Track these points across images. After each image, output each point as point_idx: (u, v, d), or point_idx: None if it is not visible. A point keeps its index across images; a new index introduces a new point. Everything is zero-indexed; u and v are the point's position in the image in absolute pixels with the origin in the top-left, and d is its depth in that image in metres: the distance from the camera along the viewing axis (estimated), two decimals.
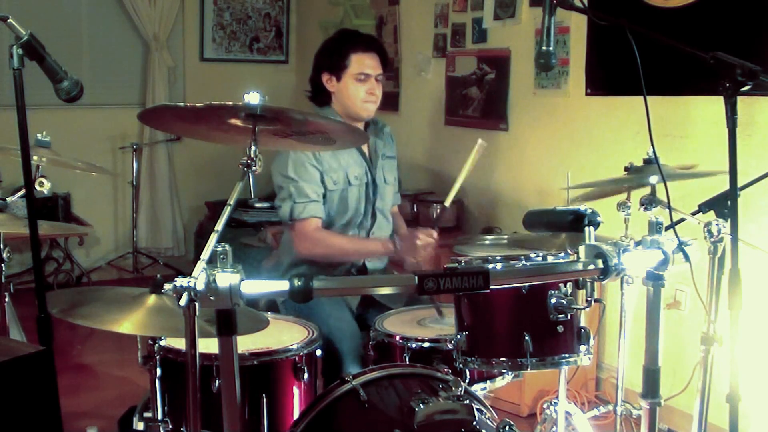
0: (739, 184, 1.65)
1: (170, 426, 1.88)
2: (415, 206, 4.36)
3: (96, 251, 5.73)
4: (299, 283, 1.30)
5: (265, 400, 2.04)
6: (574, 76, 3.71)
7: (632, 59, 1.60)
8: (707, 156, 3.09)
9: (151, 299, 1.75)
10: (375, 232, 2.86)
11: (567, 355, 1.84)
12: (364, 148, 2.84)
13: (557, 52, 2.70)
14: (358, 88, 2.73)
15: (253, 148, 1.54)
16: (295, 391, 2.12)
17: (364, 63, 2.73)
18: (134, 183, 5.65)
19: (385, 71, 2.82)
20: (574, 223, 1.78)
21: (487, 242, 2.88)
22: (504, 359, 1.85)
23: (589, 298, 1.76)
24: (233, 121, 1.61)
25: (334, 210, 2.76)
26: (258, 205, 4.95)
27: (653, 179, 2.25)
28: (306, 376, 2.11)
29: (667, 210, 1.78)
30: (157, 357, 1.82)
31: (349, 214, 2.79)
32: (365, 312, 2.76)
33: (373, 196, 2.85)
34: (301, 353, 2.11)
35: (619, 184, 2.47)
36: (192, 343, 1.35)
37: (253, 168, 1.53)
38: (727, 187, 1.66)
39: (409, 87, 4.95)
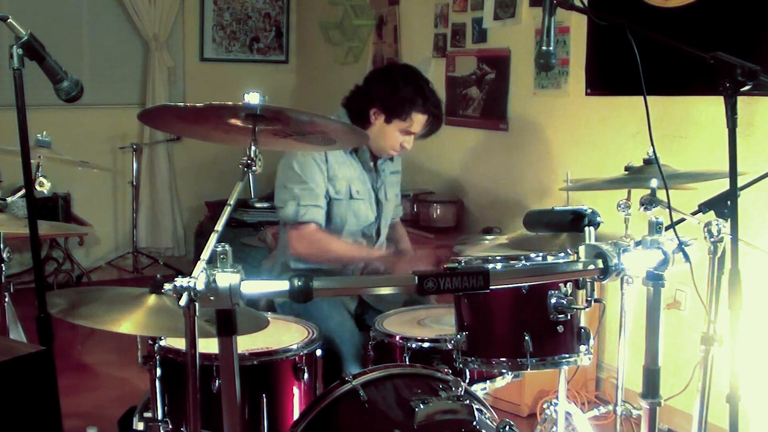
0: (739, 184, 1.65)
1: (170, 426, 1.88)
2: (415, 206, 4.36)
3: (96, 251, 5.73)
4: (299, 283, 1.30)
5: (265, 400, 2.04)
6: (574, 76, 3.71)
7: (632, 59, 1.60)
8: (707, 156, 3.09)
9: (151, 299, 1.75)
10: (377, 247, 2.86)
11: (567, 355, 1.84)
12: (372, 164, 2.84)
13: (557, 52, 2.70)
14: (397, 137, 2.73)
15: (253, 148, 1.54)
16: (295, 391, 2.12)
17: (419, 123, 2.73)
18: (134, 183, 5.65)
19: (431, 130, 2.84)
20: (574, 223, 1.78)
21: (487, 242, 2.88)
22: (504, 359, 1.85)
23: (589, 298, 1.76)
24: (233, 121, 1.61)
25: (344, 221, 2.75)
26: (258, 205, 4.95)
27: (654, 183, 2.24)
28: (306, 376, 2.11)
29: (667, 210, 1.78)
30: (157, 357, 1.83)
31: (359, 227, 2.80)
32: (364, 312, 2.76)
33: (379, 212, 2.85)
34: (301, 353, 2.11)
35: (620, 184, 2.46)
36: (192, 343, 1.35)
37: (253, 168, 1.53)
38: (727, 187, 1.66)
39: None
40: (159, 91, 5.60)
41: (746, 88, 1.53)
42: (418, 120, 2.73)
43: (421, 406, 1.67)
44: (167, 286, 1.30)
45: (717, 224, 1.88)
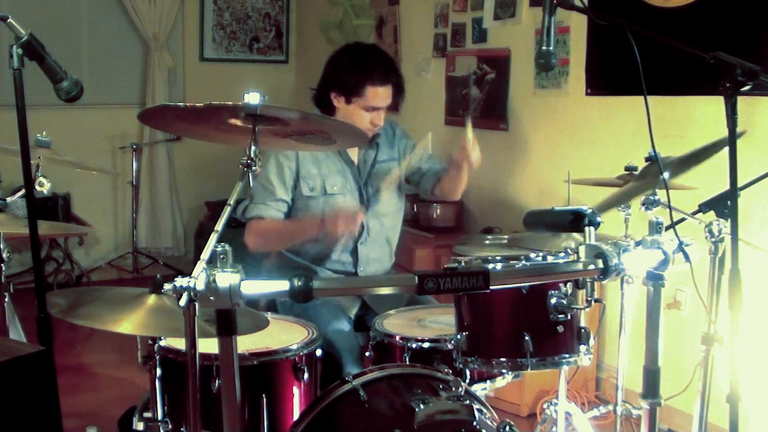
0: (739, 184, 1.65)
1: (170, 426, 1.88)
2: (415, 206, 4.36)
3: (96, 251, 5.73)
4: (299, 283, 1.30)
5: (265, 400, 2.03)
6: (574, 76, 3.71)
7: (632, 59, 1.60)
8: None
9: (151, 299, 1.75)
10: (365, 242, 2.79)
11: (567, 355, 1.84)
12: (353, 157, 2.79)
13: (557, 52, 2.70)
14: (363, 117, 2.66)
15: (253, 148, 1.54)
16: (295, 391, 2.12)
17: (377, 96, 2.65)
18: (134, 183, 5.66)
19: (396, 99, 2.74)
20: (574, 223, 1.78)
21: (487, 242, 2.88)
22: (504, 359, 1.85)
23: (589, 298, 1.76)
24: (233, 121, 1.61)
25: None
26: None
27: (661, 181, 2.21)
28: (306, 376, 2.10)
29: (668, 210, 1.78)
30: (157, 357, 1.82)
31: None
32: (365, 312, 2.76)
33: (364, 206, 2.77)
34: (301, 353, 2.11)
35: (625, 184, 2.46)
36: (192, 343, 1.35)
37: (253, 168, 1.53)
38: (727, 186, 1.66)
39: (408, 87, 4.91)
40: (159, 91, 5.60)
41: (746, 88, 1.53)
42: (376, 93, 2.65)
43: (421, 406, 1.67)
44: (167, 286, 1.30)
45: (717, 224, 1.88)
